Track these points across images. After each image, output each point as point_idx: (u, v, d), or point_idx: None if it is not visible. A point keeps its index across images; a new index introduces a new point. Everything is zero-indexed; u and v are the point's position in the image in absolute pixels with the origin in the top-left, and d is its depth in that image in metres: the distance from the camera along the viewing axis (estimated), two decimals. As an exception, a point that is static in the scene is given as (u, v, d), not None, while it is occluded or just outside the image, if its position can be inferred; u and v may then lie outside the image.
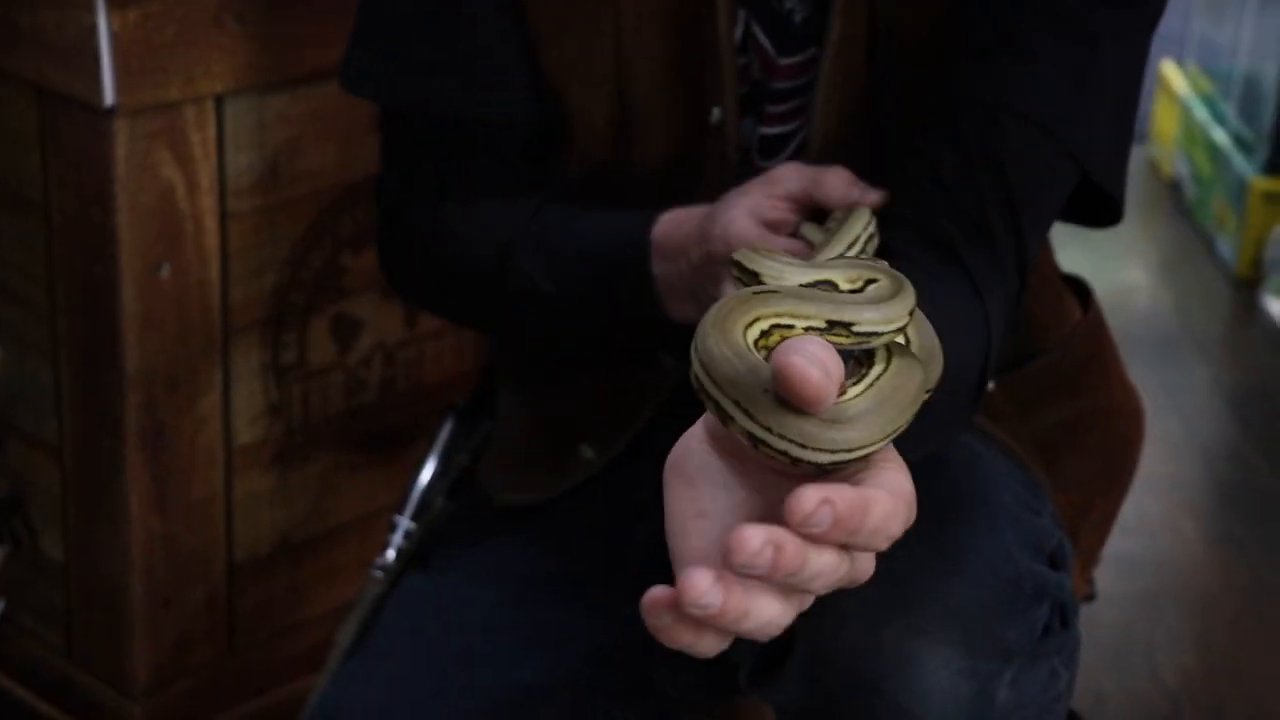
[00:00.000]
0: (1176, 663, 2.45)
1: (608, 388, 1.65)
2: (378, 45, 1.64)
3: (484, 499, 1.76)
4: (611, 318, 1.42)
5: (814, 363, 0.92)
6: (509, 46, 1.60)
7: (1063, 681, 1.52)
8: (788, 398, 0.94)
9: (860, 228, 1.40)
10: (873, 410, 0.98)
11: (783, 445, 0.95)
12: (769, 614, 0.92)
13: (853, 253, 1.39)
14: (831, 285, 1.13)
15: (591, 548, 1.68)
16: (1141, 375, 1.79)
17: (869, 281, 1.15)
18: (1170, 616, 2.55)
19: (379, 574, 1.74)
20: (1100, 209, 1.56)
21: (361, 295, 2.05)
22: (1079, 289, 1.78)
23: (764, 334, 1.02)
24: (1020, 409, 1.66)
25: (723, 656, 1.54)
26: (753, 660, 1.49)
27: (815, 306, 1.05)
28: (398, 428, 2.13)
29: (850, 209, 1.44)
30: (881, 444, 0.98)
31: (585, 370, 1.54)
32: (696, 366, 0.99)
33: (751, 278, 1.09)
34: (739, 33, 1.56)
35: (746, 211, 1.44)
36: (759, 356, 0.99)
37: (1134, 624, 2.48)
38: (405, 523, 1.77)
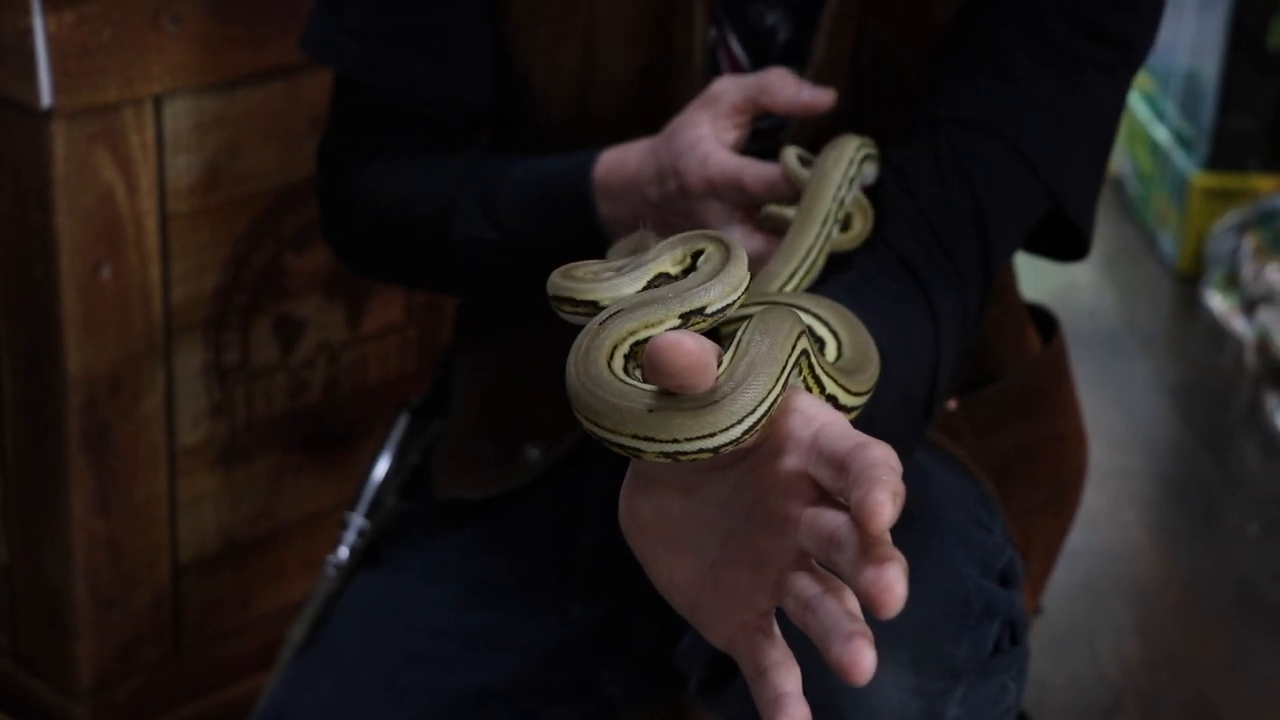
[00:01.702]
0: (1118, 652, 2.47)
1: (556, 390, 1.62)
2: (344, 12, 1.61)
3: (435, 497, 1.75)
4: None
5: (679, 341, 0.93)
6: (479, 28, 1.59)
7: (1012, 695, 1.51)
8: (672, 383, 0.94)
9: (852, 150, 1.38)
10: (753, 368, 0.97)
11: (695, 445, 0.95)
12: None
13: (852, 174, 1.37)
14: (665, 276, 1.13)
15: (540, 550, 1.67)
16: (1085, 369, 1.79)
17: (695, 254, 1.14)
18: (1112, 606, 2.56)
19: (332, 571, 1.74)
20: (1066, 242, 1.56)
21: (304, 296, 2.03)
22: (1045, 320, 1.77)
23: (628, 356, 1.02)
24: (977, 431, 1.65)
25: (666, 662, 1.56)
26: (702, 672, 1.49)
27: (663, 308, 1.05)
28: (342, 428, 2.12)
29: (837, 139, 1.41)
30: (778, 392, 0.97)
31: (537, 372, 1.53)
32: (584, 422, 0.98)
33: (589, 306, 1.08)
34: (711, 39, 1.55)
35: (715, 140, 1.42)
36: (632, 381, 0.99)
37: (1076, 614, 2.49)
38: (358, 520, 1.76)
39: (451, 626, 1.66)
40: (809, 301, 1.21)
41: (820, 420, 0.97)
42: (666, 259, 1.14)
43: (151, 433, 1.96)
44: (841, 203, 1.35)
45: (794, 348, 1.03)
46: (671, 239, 1.15)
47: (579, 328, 1.04)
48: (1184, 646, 2.52)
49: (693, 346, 0.94)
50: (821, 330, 1.20)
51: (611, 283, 1.13)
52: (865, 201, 1.42)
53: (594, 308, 1.08)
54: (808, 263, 1.32)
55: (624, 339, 1.04)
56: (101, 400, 1.91)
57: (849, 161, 1.37)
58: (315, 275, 2.03)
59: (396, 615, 1.67)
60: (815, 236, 1.32)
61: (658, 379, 0.96)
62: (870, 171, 1.43)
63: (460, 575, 1.68)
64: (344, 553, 1.76)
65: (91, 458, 1.92)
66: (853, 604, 0.92)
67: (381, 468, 1.80)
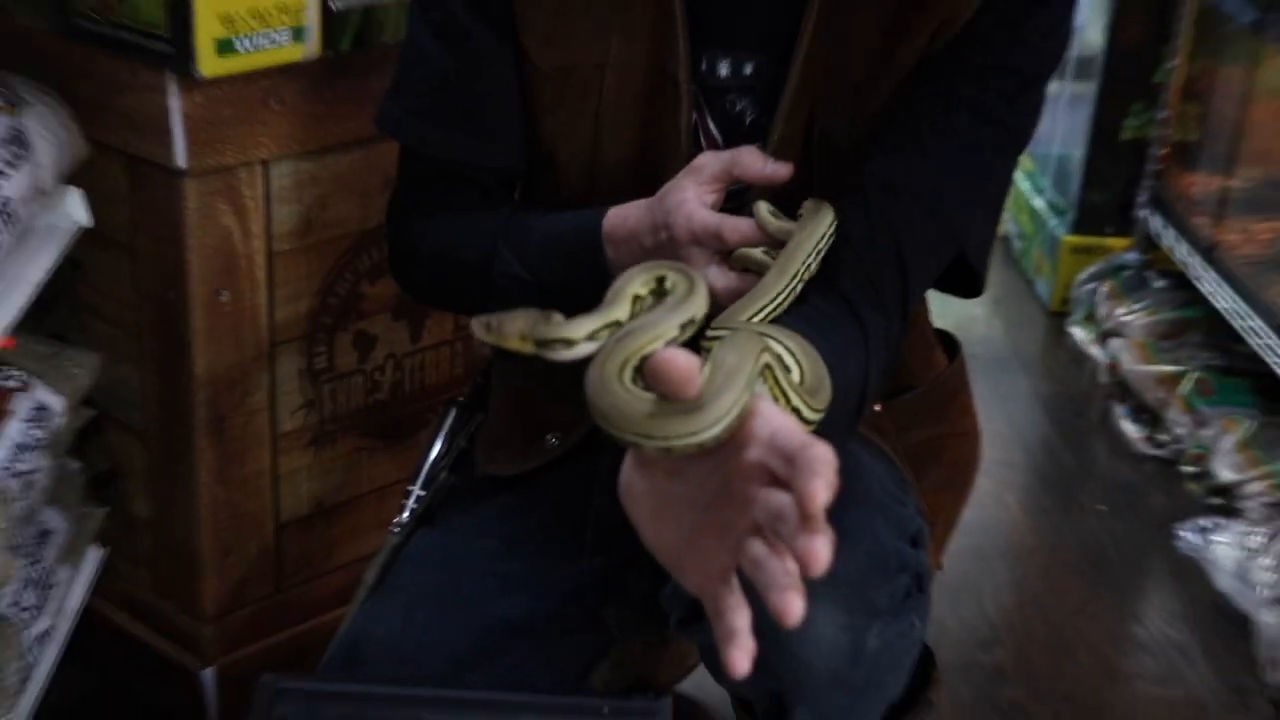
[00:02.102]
0: (997, 600, 2.48)
1: (570, 391, 1.61)
2: (410, 99, 1.60)
3: (476, 473, 1.74)
4: (577, 295, 1.31)
5: (673, 357, 0.97)
6: (513, 114, 1.58)
7: (918, 631, 1.52)
8: (667, 391, 0.98)
9: (826, 227, 1.37)
10: (727, 379, 1.00)
11: (685, 441, 0.99)
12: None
13: (820, 245, 1.37)
14: (638, 296, 1.18)
15: (557, 516, 1.66)
16: (979, 383, 1.78)
17: (659, 279, 1.19)
18: (994, 565, 2.57)
19: (396, 530, 1.72)
20: (966, 283, 1.54)
21: (376, 316, 2.02)
22: (950, 343, 1.77)
23: (636, 369, 1.05)
24: (897, 428, 1.65)
25: (654, 603, 1.56)
26: (681, 611, 1.49)
27: (665, 322, 1.10)
28: (404, 419, 2.10)
29: (817, 207, 1.40)
30: (745, 398, 0.99)
31: (554, 378, 1.53)
32: (601, 423, 1.01)
33: (565, 343, 1.14)
34: (692, 122, 1.53)
35: (697, 201, 1.40)
36: (637, 390, 1.02)
37: (967, 572, 2.51)
38: (416, 491, 1.75)
39: (488, 572, 1.64)
40: (781, 334, 1.20)
41: (776, 423, 0.99)
42: (637, 281, 1.18)
43: (258, 421, 1.96)
44: (809, 266, 1.35)
45: (757, 362, 1.06)
46: (634, 269, 1.19)
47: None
48: (1047, 596, 2.53)
49: (683, 362, 0.98)
50: (790, 360, 1.19)
51: (602, 311, 1.16)
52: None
53: (568, 344, 1.14)
54: (777, 302, 1.32)
55: (631, 356, 1.06)
56: (220, 396, 1.91)
57: (822, 235, 1.37)
58: (385, 301, 2.02)
59: (446, 563, 1.66)
60: (787, 284, 1.32)
61: (656, 386, 0.99)
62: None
63: (496, 533, 1.67)
64: (405, 515, 1.74)
65: (213, 440, 1.92)
66: (791, 565, 0.95)
67: (435, 450, 1.79)
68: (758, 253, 1.37)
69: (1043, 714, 2.24)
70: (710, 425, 0.99)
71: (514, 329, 1.17)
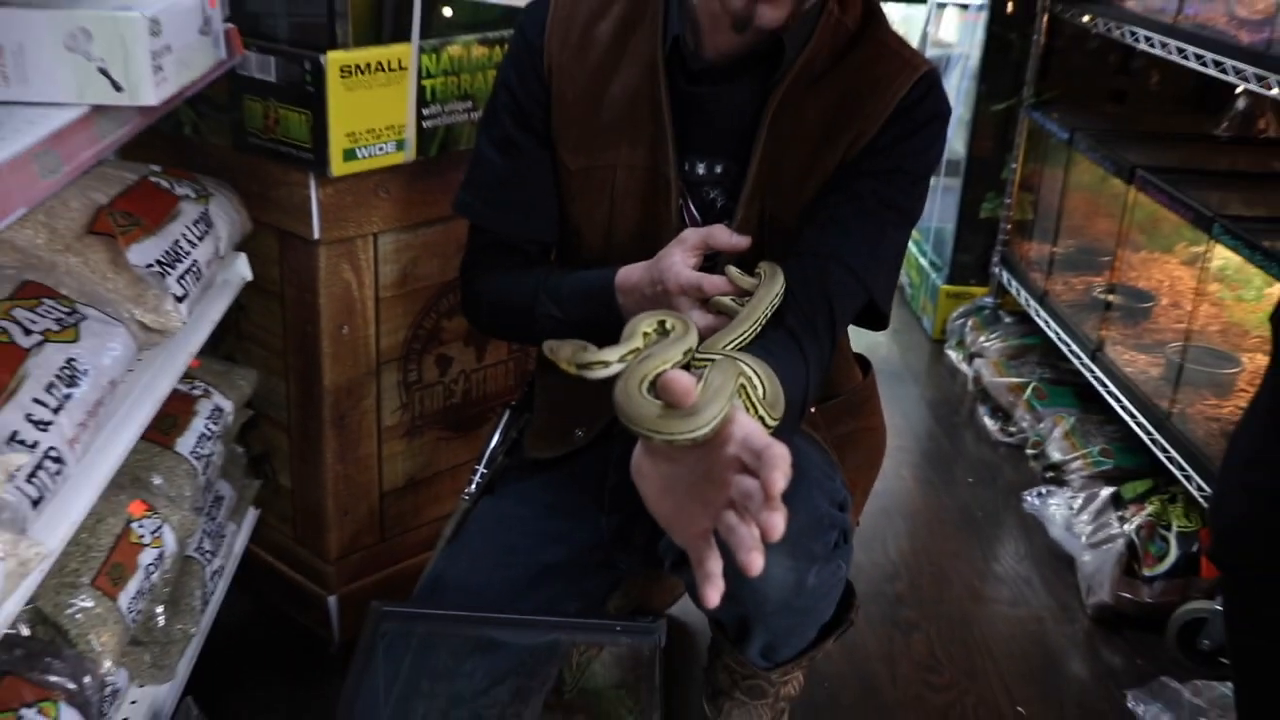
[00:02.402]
0: (897, 547, 2.47)
1: (592, 398, 1.60)
2: (477, 191, 1.60)
3: (525, 457, 1.74)
4: (596, 330, 1.34)
5: (678, 377, 1.01)
6: (549, 201, 1.58)
7: (844, 571, 1.53)
8: (672, 401, 1.01)
9: (779, 286, 1.37)
10: (714, 394, 1.02)
11: (683, 437, 1.01)
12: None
13: (774, 299, 1.36)
14: (647, 332, 1.24)
15: (583, 487, 1.65)
16: (883, 391, 1.78)
17: (661, 322, 1.25)
18: (895, 522, 2.56)
19: (465, 498, 1.73)
20: (875, 320, 1.54)
21: (452, 344, 2.01)
22: (864, 363, 1.76)
23: (651, 383, 1.09)
24: (826, 424, 1.65)
25: (653, 551, 1.56)
26: (673, 554, 1.50)
27: (673, 350, 1.16)
28: (472, 417, 2.09)
29: (772, 270, 1.39)
30: (727, 408, 1.02)
31: (581, 390, 1.52)
32: (624, 421, 1.04)
33: (603, 364, 1.20)
34: (679, 206, 1.53)
35: (683, 264, 1.40)
36: (650, 398, 1.05)
37: (876, 526, 2.50)
38: (481, 469, 1.75)
39: (533, 530, 1.64)
40: (751, 360, 1.21)
41: (747, 428, 1.01)
42: (645, 323, 1.25)
43: (368, 419, 1.95)
44: (766, 315, 1.35)
45: (735, 382, 1.08)
46: (643, 314, 1.28)
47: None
48: (931, 543, 2.51)
49: (685, 382, 1.02)
50: (757, 381, 1.20)
51: (618, 348, 1.22)
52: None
53: (605, 365, 1.21)
54: (745, 336, 1.31)
55: (648, 374, 1.10)
56: (341, 401, 1.90)
57: (775, 293, 1.37)
58: (458, 332, 2.01)
59: (502, 522, 1.66)
60: (752, 324, 1.32)
61: (664, 397, 1.03)
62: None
63: (538, 500, 1.67)
64: (473, 487, 1.74)
65: (335, 432, 1.91)
66: (755, 531, 0.96)
67: (494, 440, 1.78)
68: (728, 300, 1.37)
69: (928, 627, 2.23)
70: (701, 427, 1.01)
71: (564, 354, 1.23)
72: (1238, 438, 1.35)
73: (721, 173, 1.53)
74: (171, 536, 1.54)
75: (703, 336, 1.31)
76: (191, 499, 1.64)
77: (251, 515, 1.98)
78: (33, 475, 1.14)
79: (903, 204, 1.48)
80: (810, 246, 1.44)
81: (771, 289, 1.36)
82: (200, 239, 1.58)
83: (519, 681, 1.61)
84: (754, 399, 1.16)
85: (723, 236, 1.42)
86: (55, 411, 1.20)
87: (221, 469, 1.83)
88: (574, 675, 1.90)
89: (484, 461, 1.76)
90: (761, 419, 1.16)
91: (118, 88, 1.16)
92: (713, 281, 1.38)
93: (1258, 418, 1.31)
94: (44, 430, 1.18)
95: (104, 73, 1.15)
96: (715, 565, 1.02)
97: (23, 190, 1.01)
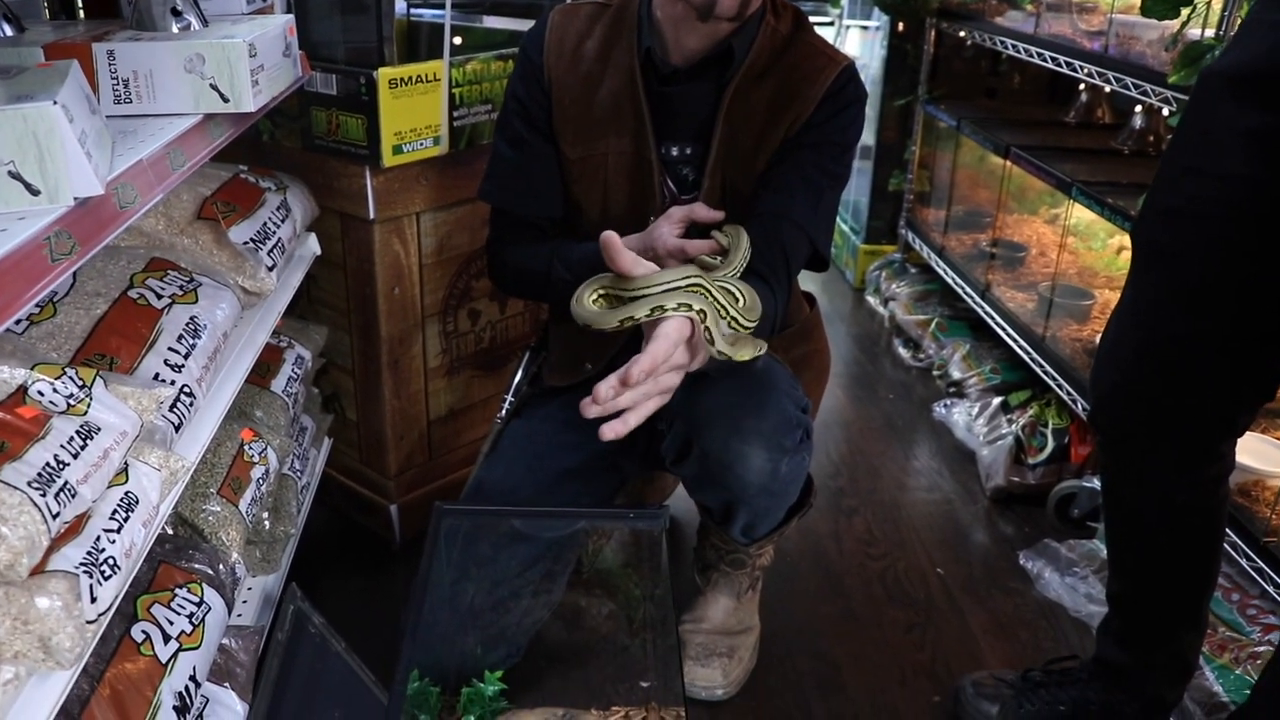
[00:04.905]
0: (837, 448, 2.48)
1: (597, 338, 1.61)
2: (496, 179, 1.58)
3: (544, 386, 1.74)
4: None
5: (622, 253, 1.09)
6: (556, 186, 1.57)
7: (807, 463, 1.54)
8: (609, 259, 1.08)
9: (745, 242, 1.35)
10: (635, 305, 1.08)
11: (604, 326, 1.07)
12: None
13: (747, 253, 1.33)
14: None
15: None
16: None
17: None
18: (832, 429, 2.56)
19: (498, 421, 1.73)
20: (818, 264, 1.52)
21: (480, 300, 2.00)
22: (810, 299, 1.76)
23: (595, 298, 1.11)
24: (785, 348, 1.64)
25: (655, 453, 1.57)
26: (672, 453, 1.49)
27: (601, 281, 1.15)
28: (499, 358, 2.08)
29: (737, 231, 1.36)
30: (636, 318, 1.07)
31: (585, 333, 1.51)
32: (577, 318, 1.09)
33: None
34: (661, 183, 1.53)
35: (669, 233, 1.39)
36: (592, 305, 1.09)
37: (819, 435, 2.49)
38: (509, 399, 1.75)
39: (554, 442, 1.64)
40: (738, 282, 1.22)
41: (665, 338, 1.09)
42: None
43: (417, 362, 1.95)
44: (742, 264, 1.33)
45: (684, 286, 1.11)
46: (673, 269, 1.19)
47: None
48: (862, 445, 2.52)
49: (627, 259, 1.11)
50: (738, 294, 1.20)
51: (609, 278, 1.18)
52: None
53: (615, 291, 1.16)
54: (736, 269, 1.31)
55: (596, 290, 1.12)
56: (395, 348, 1.90)
57: (745, 247, 1.35)
58: (485, 291, 2.01)
59: (529, 438, 1.66)
60: (732, 269, 1.32)
61: (605, 252, 1.10)
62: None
63: (558, 419, 1.67)
64: (503, 412, 1.74)
65: (391, 374, 1.91)
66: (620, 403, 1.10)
67: (519, 375, 1.78)
68: (707, 258, 1.37)
69: (865, 511, 2.24)
70: (611, 322, 1.07)
71: (608, 322, 1.16)
72: (1108, 326, 1.36)
73: (690, 153, 1.52)
74: (273, 456, 1.56)
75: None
76: (285, 428, 1.66)
77: (327, 443, 1.99)
78: (174, 406, 1.18)
79: (835, 170, 1.48)
80: (766, 208, 1.45)
81: (740, 245, 1.36)
82: (282, 221, 1.59)
83: (547, 565, 1.62)
84: (735, 310, 1.16)
85: (702, 212, 1.43)
86: (185, 357, 1.23)
87: (304, 405, 1.84)
88: (590, 559, 1.90)
89: (511, 392, 1.76)
90: (736, 319, 1.17)
91: (224, 99, 1.19)
92: (695, 245, 1.38)
93: (1122, 308, 1.33)
94: (178, 371, 1.21)
95: (214, 88, 1.17)
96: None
97: (161, 179, 1.04)
